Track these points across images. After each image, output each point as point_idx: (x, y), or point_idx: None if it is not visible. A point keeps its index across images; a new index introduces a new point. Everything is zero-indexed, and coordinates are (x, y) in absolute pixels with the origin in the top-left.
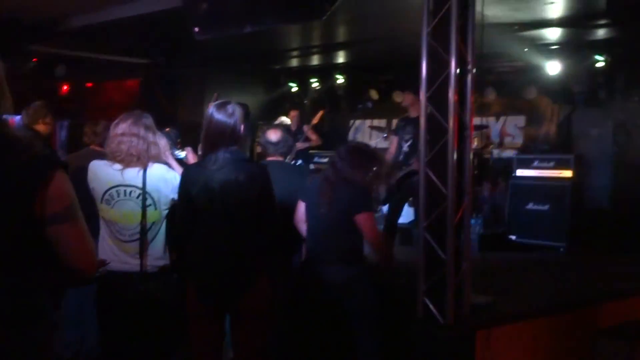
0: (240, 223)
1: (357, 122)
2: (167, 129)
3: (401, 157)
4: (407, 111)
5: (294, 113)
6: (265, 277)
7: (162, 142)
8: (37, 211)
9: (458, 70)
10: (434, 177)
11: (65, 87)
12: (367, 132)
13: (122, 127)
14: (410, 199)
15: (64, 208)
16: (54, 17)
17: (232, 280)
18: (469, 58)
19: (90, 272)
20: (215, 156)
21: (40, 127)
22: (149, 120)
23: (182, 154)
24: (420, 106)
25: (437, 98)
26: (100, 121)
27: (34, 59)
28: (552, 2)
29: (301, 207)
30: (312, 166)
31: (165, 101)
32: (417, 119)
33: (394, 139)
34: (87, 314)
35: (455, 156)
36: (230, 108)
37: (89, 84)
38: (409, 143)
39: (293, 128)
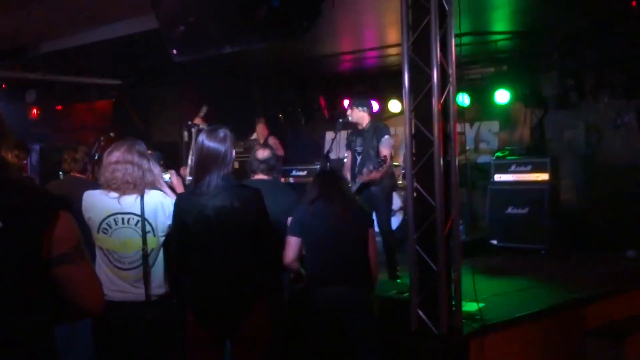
0: (237, 248)
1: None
2: (149, 152)
3: (357, 169)
4: (355, 124)
5: (260, 124)
6: (264, 301)
7: (157, 169)
8: (43, 253)
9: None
10: (421, 190)
11: (35, 111)
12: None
13: (116, 155)
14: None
15: (71, 248)
16: (25, 44)
17: (231, 305)
18: (450, 69)
19: (98, 311)
20: (208, 182)
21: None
22: (142, 147)
23: (165, 176)
24: (367, 119)
25: (420, 110)
26: (79, 147)
27: (4, 85)
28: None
29: (293, 243)
30: (291, 179)
31: (139, 122)
32: (365, 130)
33: (349, 153)
34: (79, 340)
35: (442, 167)
36: (221, 133)
37: (59, 107)
38: (362, 156)
39: (260, 139)
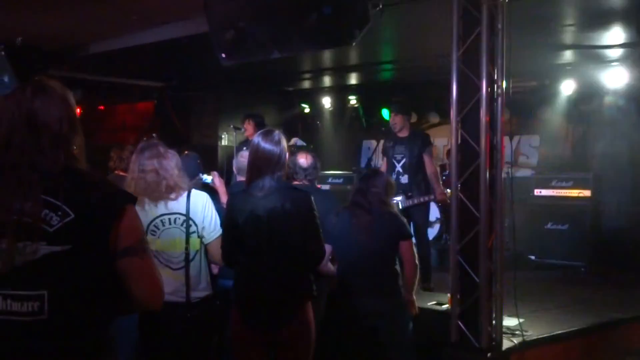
0: (286, 250)
1: (371, 142)
2: (186, 152)
3: (394, 176)
4: (393, 131)
5: (249, 123)
6: (309, 305)
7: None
8: (111, 245)
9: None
10: (466, 201)
11: (78, 110)
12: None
13: (144, 163)
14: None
15: (136, 241)
16: (74, 44)
17: (277, 307)
18: (499, 81)
19: (158, 304)
20: (261, 183)
21: None
22: (158, 149)
23: (208, 178)
24: (408, 127)
25: (467, 121)
26: (126, 146)
27: None
28: (570, 25)
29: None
30: (326, 186)
31: (178, 124)
32: (407, 138)
33: (384, 161)
34: (124, 336)
35: (487, 179)
36: (276, 136)
37: (101, 107)
38: (402, 163)
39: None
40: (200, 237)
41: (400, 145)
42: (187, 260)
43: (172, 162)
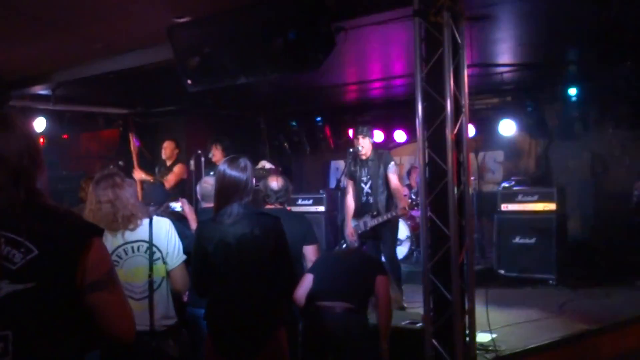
0: (257, 276)
1: (339, 162)
2: (151, 180)
3: (363, 198)
4: (358, 153)
5: (168, 144)
6: (283, 329)
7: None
8: (78, 280)
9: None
10: (436, 219)
11: (41, 140)
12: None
13: (99, 194)
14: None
15: (104, 274)
16: (37, 74)
17: (250, 333)
18: (463, 100)
19: (130, 338)
20: (229, 210)
21: None
22: (119, 177)
23: (177, 206)
24: (370, 148)
25: (433, 140)
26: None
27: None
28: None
29: (308, 280)
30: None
31: (144, 151)
32: (370, 160)
33: (349, 183)
34: None
35: (455, 196)
36: (242, 162)
37: (65, 136)
38: (369, 184)
39: (167, 160)
40: (165, 263)
41: (364, 167)
42: (151, 288)
43: (127, 193)
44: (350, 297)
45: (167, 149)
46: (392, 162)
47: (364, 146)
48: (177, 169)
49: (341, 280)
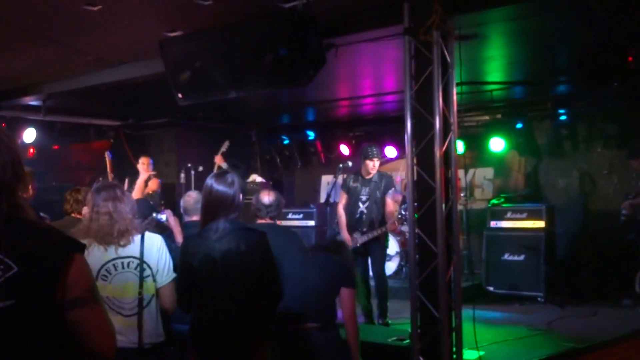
0: (242, 292)
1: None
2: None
3: (357, 215)
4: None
5: (144, 159)
6: (266, 345)
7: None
8: (58, 296)
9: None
10: (423, 236)
11: (32, 150)
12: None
13: (99, 204)
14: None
15: (85, 291)
16: (28, 85)
17: (234, 349)
18: (452, 118)
19: (110, 355)
20: (215, 226)
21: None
22: (120, 190)
23: (162, 217)
24: (375, 170)
25: (422, 157)
26: (82, 188)
27: (3, 124)
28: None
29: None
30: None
31: (135, 163)
32: (373, 180)
33: (344, 196)
34: None
35: (443, 213)
36: (229, 177)
37: (56, 147)
38: (366, 204)
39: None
40: (155, 281)
41: (366, 186)
42: (141, 305)
43: (127, 207)
44: (319, 316)
45: (145, 165)
46: (393, 189)
47: (375, 167)
48: (151, 183)
49: (310, 300)
